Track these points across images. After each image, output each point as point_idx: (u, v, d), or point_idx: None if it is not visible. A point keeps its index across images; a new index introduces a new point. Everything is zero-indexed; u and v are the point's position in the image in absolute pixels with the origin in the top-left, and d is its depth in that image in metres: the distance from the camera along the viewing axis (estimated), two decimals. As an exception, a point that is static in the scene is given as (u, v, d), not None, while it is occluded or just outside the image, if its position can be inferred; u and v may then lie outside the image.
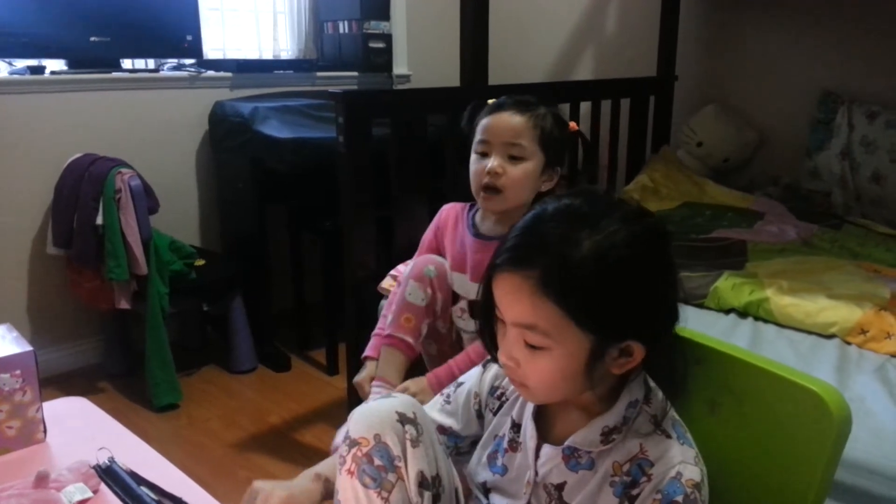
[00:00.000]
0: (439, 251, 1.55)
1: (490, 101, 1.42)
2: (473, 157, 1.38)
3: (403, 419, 0.87)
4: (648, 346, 0.79)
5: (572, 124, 1.44)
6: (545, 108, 1.38)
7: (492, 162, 1.33)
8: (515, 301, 0.78)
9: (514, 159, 1.34)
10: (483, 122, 1.37)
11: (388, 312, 1.52)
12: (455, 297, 1.50)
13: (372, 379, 1.48)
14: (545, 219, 0.80)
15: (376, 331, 1.54)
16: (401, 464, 0.85)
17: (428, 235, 1.57)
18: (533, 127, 1.34)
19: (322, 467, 0.94)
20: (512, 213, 1.37)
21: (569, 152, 1.42)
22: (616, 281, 0.76)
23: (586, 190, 0.85)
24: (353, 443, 0.85)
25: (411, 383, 1.42)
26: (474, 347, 1.43)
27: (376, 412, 0.88)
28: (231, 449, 2.13)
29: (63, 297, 2.53)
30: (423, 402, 1.40)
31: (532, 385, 0.82)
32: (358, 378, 1.51)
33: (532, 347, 0.79)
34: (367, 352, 1.52)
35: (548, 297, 0.75)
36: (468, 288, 1.45)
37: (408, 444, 0.86)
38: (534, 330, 0.78)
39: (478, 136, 1.36)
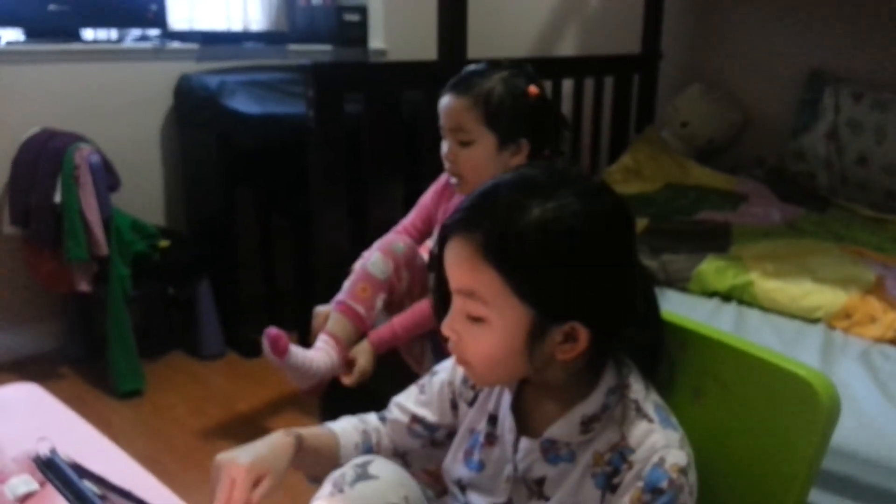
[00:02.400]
0: (433, 216, 1.54)
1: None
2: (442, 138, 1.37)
3: None
4: (597, 333, 0.75)
5: (532, 89, 1.33)
6: (501, 74, 1.31)
7: (444, 147, 1.34)
8: (457, 265, 0.76)
9: (463, 144, 1.31)
10: (439, 103, 1.34)
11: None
12: None
13: (325, 319, 1.50)
14: (501, 185, 0.77)
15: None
16: None
17: (425, 198, 1.55)
18: (473, 107, 1.28)
19: (297, 428, 0.87)
20: None
21: (536, 119, 1.34)
22: (559, 254, 0.72)
23: (549, 163, 0.80)
24: None
25: (359, 354, 1.45)
26: (418, 305, 1.44)
27: None
28: (197, 437, 2.08)
29: (21, 279, 2.44)
30: (366, 366, 1.42)
31: (472, 361, 0.79)
32: (320, 308, 1.53)
33: (473, 319, 0.76)
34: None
35: (488, 262, 0.73)
36: None
37: None
38: (473, 297, 0.75)
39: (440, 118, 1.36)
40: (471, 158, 1.30)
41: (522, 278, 0.72)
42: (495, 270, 0.72)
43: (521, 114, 1.31)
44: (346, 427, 0.92)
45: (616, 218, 0.77)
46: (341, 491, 0.79)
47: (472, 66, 1.36)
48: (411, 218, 1.58)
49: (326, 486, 0.80)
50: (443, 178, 1.53)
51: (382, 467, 0.82)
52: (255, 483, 0.77)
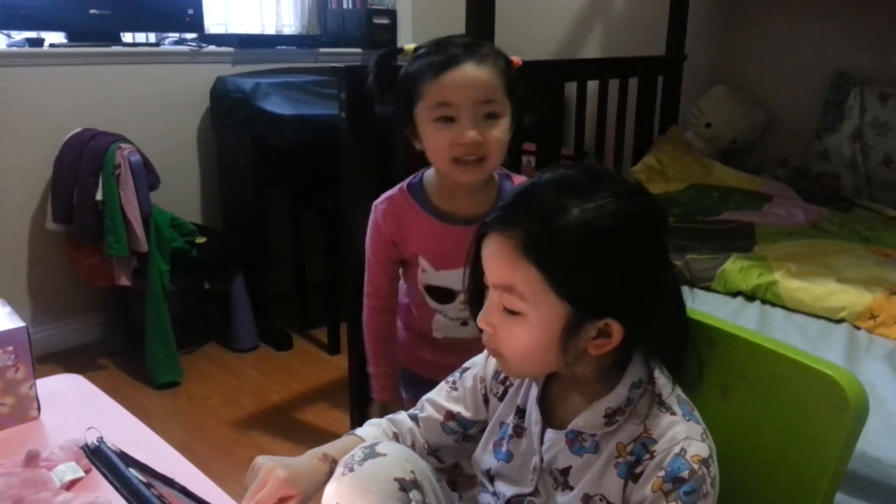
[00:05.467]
0: (394, 258, 1.26)
1: (409, 49, 1.15)
2: (435, 125, 1.11)
3: (404, 485, 0.80)
4: (630, 329, 0.77)
5: (516, 59, 1.17)
6: (489, 44, 1.14)
7: (468, 132, 1.09)
8: (497, 261, 0.78)
9: (489, 118, 1.11)
10: (440, 81, 1.09)
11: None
12: (447, 296, 1.25)
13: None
14: (539, 185, 0.79)
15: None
16: None
17: (378, 250, 1.25)
18: (500, 75, 1.11)
19: (331, 448, 0.89)
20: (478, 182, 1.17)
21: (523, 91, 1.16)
22: (598, 253, 0.74)
23: (586, 163, 0.83)
24: None
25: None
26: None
27: (373, 485, 0.79)
28: (231, 427, 2.13)
29: (63, 274, 2.51)
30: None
31: (506, 354, 0.81)
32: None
33: (510, 313, 0.78)
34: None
35: (528, 258, 0.75)
36: (450, 277, 1.23)
37: None
38: (511, 292, 0.77)
39: (434, 100, 1.09)
40: (499, 133, 1.11)
41: (561, 276, 0.74)
42: (534, 267, 0.74)
43: (518, 84, 1.15)
44: (378, 434, 0.93)
45: (651, 218, 0.78)
46: (352, 470, 0.80)
47: (453, 39, 1.13)
48: (377, 281, 1.28)
49: (339, 469, 0.82)
50: (382, 213, 1.24)
51: (390, 446, 0.84)
52: (284, 499, 0.80)
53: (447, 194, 1.20)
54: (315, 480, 0.84)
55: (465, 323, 1.25)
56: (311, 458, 0.86)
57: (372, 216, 1.25)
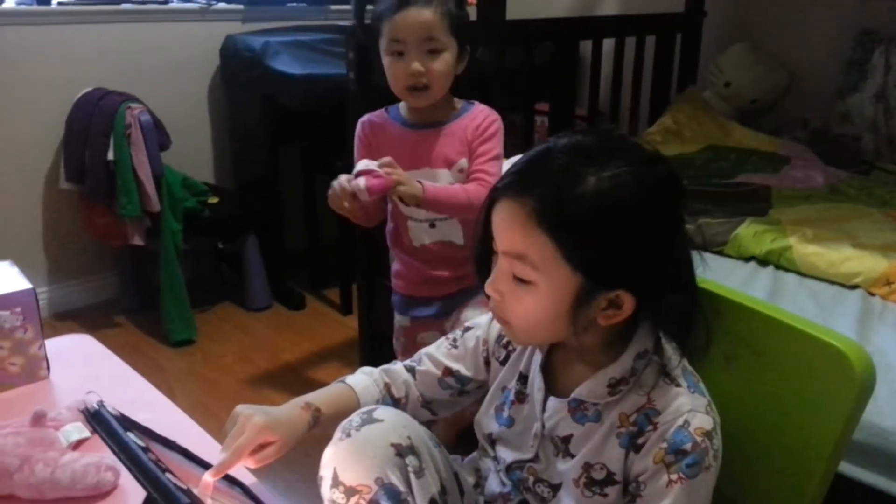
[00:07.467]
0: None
1: None
2: (389, 58, 1.32)
3: (400, 450, 0.81)
4: (641, 301, 0.76)
5: None
6: None
7: (412, 64, 1.30)
8: (508, 228, 0.76)
9: (431, 53, 1.31)
10: (392, 21, 1.30)
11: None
12: None
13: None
14: (554, 150, 0.77)
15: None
16: (409, 498, 0.80)
17: (359, 156, 1.41)
18: (443, 17, 1.30)
19: (314, 396, 0.89)
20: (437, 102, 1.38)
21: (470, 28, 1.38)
22: (613, 223, 0.72)
23: (603, 128, 0.80)
24: (350, 491, 0.78)
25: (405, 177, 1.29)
26: (452, 188, 1.33)
27: (370, 450, 0.80)
28: (245, 385, 2.16)
29: (78, 232, 2.53)
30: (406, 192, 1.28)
31: (514, 322, 0.80)
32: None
33: (519, 281, 0.77)
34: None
35: (541, 227, 0.73)
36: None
37: (412, 476, 0.81)
38: (523, 261, 0.75)
39: (388, 36, 1.31)
40: (441, 67, 1.31)
41: (574, 246, 0.73)
42: (547, 236, 0.73)
43: (468, 22, 1.37)
44: (368, 384, 0.93)
45: (669, 188, 0.76)
46: (349, 436, 0.81)
47: None
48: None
49: (336, 434, 0.83)
50: (366, 126, 1.43)
51: (386, 412, 0.85)
52: (263, 445, 0.80)
53: (413, 110, 1.41)
54: (295, 428, 0.84)
55: (432, 225, 1.42)
56: (292, 406, 0.86)
57: (357, 129, 1.46)
